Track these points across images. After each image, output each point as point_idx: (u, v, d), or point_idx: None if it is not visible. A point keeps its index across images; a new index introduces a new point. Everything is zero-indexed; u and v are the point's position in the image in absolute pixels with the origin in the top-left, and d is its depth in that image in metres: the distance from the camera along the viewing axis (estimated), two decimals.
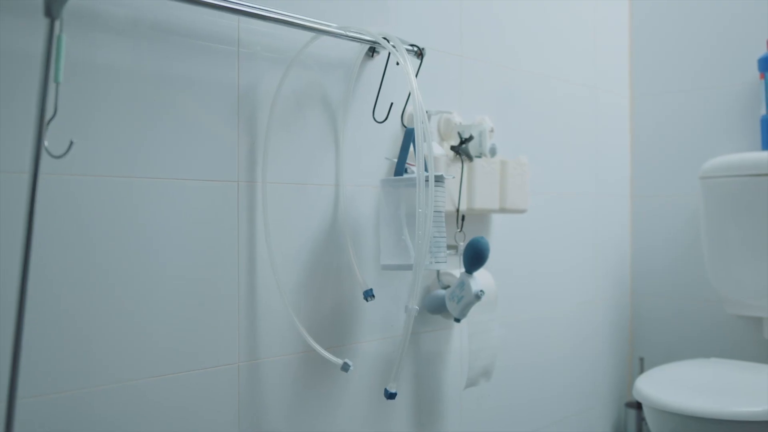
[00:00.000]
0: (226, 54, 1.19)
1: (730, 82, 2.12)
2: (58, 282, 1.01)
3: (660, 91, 2.26)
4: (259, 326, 1.25)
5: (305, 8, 1.28)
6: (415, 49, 1.42)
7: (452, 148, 1.55)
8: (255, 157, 1.24)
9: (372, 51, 1.42)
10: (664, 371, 1.81)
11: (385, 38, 1.33)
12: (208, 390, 1.18)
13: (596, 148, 2.17)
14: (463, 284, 1.44)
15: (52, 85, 0.89)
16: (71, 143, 0.91)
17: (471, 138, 1.54)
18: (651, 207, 2.28)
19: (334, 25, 1.30)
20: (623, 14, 2.30)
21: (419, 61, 1.43)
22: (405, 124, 1.50)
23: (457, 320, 1.48)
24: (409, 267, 1.34)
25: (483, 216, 1.73)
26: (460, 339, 1.68)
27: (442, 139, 1.59)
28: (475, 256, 1.53)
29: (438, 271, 1.59)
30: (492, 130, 1.58)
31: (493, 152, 1.57)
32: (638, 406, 2.21)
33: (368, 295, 1.36)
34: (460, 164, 1.54)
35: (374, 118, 1.43)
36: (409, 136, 1.38)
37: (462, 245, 1.59)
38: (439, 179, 1.33)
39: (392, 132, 1.49)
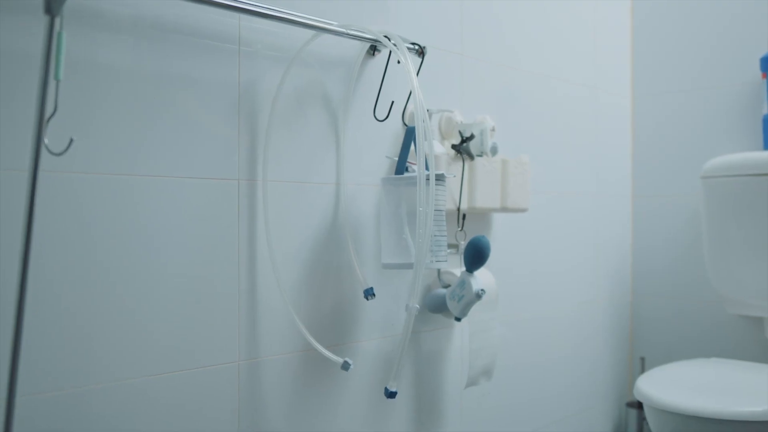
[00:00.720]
0: (226, 52, 1.19)
1: (731, 82, 2.11)
2: (57, 280, 1.01)
3: (661, 91, 2.26)
4: (260, 324, 1.24)
5: (306, 7, 1.28)
6: (417, 47, 1.42)
7: (453, 146, 1.55)
8: (255, 155, 1.23)
9: (373, 49, 1.42)
10: (665, 371, 1.81)
11: (386, 36, 1.32)
12: (208, 388, 1.18)
13: (597, 148, 2.16)
14: (464, 283, 1.44)
15: (52, 83, 0.89)
16: (71, 141, 0.91)
17: (472, 137, 1.54)
18: (652, 207, 2.27)
19: (335, 23, 1.29)
20: (624, 14, 2.29)
21: (420, 60, 1.43)
22: (406, 122, 1.50)
23: (458, 319, 1.47)
24: (409, 266, 1.33)
25: (484, 215, 1.73)
26: (460, 338, 1.67)
27: (443, 137, 1.59)
28: (476, 255, 1.52)
29: (439, 270, 1.59)
30: (493, 129, 1.57)
31: (494, 151, 1.57)
32: (639, 405, 2.21)
33: (369, 293, 1.36)
34: (461, 163, 1.54)
35: (375, 117, 1.43)
36: (410, 135, 1.38)
37: (463, 244, 1.59)
38: (440, 178, 1.33)
39: (393, 130, 1.49)
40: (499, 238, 1.77)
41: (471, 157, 1.55)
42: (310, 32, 1.29)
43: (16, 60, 0.96)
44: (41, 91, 0.88)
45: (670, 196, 2.22)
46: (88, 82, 1.03)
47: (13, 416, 0.87)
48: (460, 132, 1.55)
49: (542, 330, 1.94)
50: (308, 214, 1.33)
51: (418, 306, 1.29)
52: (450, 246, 1.52)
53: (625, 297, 2.28)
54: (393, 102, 1.44)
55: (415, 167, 1.43)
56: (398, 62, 1.35)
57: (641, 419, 2.16)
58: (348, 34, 1.31)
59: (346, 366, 1.29)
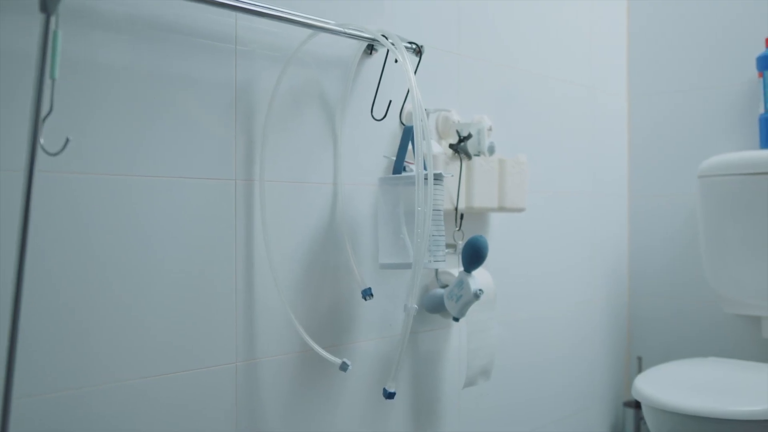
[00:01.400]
0: (223, 52, 1.18)
1: (728, 81, 2.11)
2: (54, 280, 1.00)
3: (658, 91, 2.25)
4: (257, 325, 1.24)
5: (303, 7, 1.27)
6: (414, 46, 1.41)
7: (451, 146, 1.54)
8: (252, 155, 1.23)
9: (370, 49, 1.42)
10: (663, 370, 1.81)
11: (383, 35, 1.32)
12: (205, 389, 1.17)
13: (594, 148, 2.16)
14: (461, 283, 1.43)
15: (48, 82, 0.89)
16: (67, 140, 0.90)
17: (469, 136, 1.53)
18: (649, 206, 2.27)
19: (333, 22, 1.29)
20: (621, 14, 2.29)
21: (418, 59, 1.43)
22: (403, 121, 1.49)
23: (456, 319, 1.47)
24: (407, 266, 1.33)
25: (481, 215, 1.72)
26: (458, 338, 1.67)
27: (440, 137, 1.58)
28: (473, 255, 1.52)
29: (437, 270, 1.58)
30: (490, 129, 1.57)
31: (491, 151, 1.56)
32: (636, 405, 2.21)
33: (367, 294, 1.35)
34: (458, 162, 1.53)
35: (372, 116, 1.42)
36: (407, 134, 1.37)
37: (461, 244, 1.59)
38: (438, 177, 1.32)
39: (391, 130, 1.48)
40: (497, 237, 1.76)
41: (468, 156, 1.54)
42: (307, 31, 1.29)
43: (12, 59, 0.96)
44: (37, 90, 0.88)
45: (667, 196, 2.22)
46: (84, 82, 1.02)
47: (9, 419, 0.86)
48: (457, 131, 1.54)
49: (539, 330, 1.94)
50: (305, 214, 1.32)
51: (416, 306, 1.29)
52: (448, 246, 1.51)
53: (622, 296, 2.28)
54: (390, 101, 1.43)
55: (412, 167, 1.42)
56: (396, 61, 1.35)
57: (638, 419, 2.16)
58: (345, 33, 1.31)
59: (344, 367, 1.29)
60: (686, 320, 2.18)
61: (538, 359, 1.92)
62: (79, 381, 1.02)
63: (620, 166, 2.28)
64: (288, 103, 1.30)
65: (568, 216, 2.03)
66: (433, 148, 1.46)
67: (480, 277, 1.52)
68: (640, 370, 2.20)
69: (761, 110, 2.01)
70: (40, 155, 0.89)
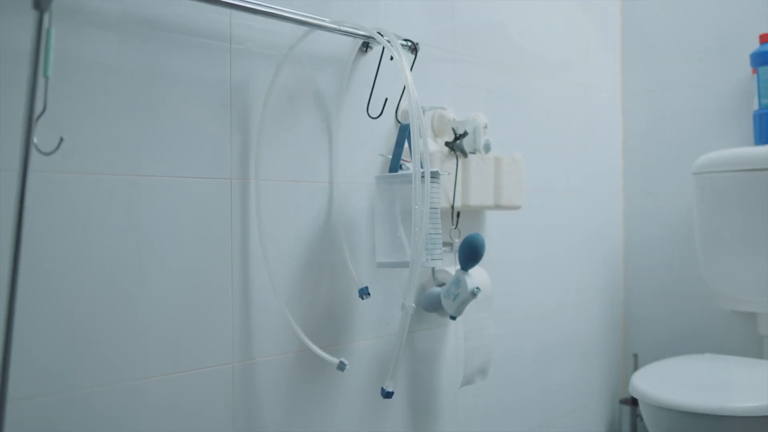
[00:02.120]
0: (218, 50, 1.17)
1: (721, 78, 2.12)
2: (49, 280, 0.99)
3: (652, 89, 2.26)
4: (254, 325, 1.23)
5: (297, 4, 1.26)
6: (410, 44, 1.40)
7: (446, 144, 1.54)
8: (248, 154, 1.22)
9: (365, 46, 1.41)
10: (660, 367, 1.81)
11: (379, 33, 1.31)
12: (202, 390, 1.16)
13: (589, 145, 2.16)
14: (458, 281, 1.43)
15: (41, 81, 0.88)
16: (61, 139, 0.89)
17: (465, 134, 1.53)
18: (644, 203, 2.27)
19: (328, 19, 1.28)
20: (615, 11, 2.29)
21: (413, 56, 1.42)
22: (399, 119, 1.49)
23: (453, 318, 1.46)
24: (404, 264, 1.32)
25: (478, 213, 1.72)
26: (455, 337, 1.66)
27: (435, 135, 1.58)
28: (470, 253, 1.51)
29: (433, 269, 1.58)
30: (486, 127, 1.56)
31: (487, 148, 1.56)
32: (633, 402, 2.21)
33: (364, 293, 1.34)
34: (454, 160, 1.53)
35: (368, 114, 1.42)
36: (403, 132, 1.37)
37: (457, 242, 1.59)
38: (434, 175, 1.32)
39: (386, 128, 1.47)
40: (494, 235, 1.76)
41: (464, 154, 1.54)
42: (302, 29, 1.28)
43: (5, 58, 0.95)
44: (30, 89, 0.87)
45: (662, 193, 2.23)
46: (79, 80, 1.01)
47: (4, 422, 0.85)
48: (453, 129, 1.54)
49: (535, 328, 1.93)
50: (302, 213, 1.31)
51: (413, 305, 1.28)
52: (444, 244, 1.51)
53: (618, 294, 2.28)
54: (386, 99, 1.42)
55: (409, 165, 1.42)
56: (391, 58, 1.34)
57: (635, 416, 2.16)
58: (341, 30, 1.30)
59: (341, 366, 1.28)
60: (682, 317, 2.18)
61: (534, 357, 1.92)
62: (75, 383, 1.01)
63: (615, 163, 2.29)
64: (283, 102, 1.30)
65: (563, 214, 2.03)
66: (430, 146, 1.46)
67: (477, 276, 1.52)
68: (636, 367, 2.20)
69: (755, 107, 2.01)
70: (34, 155, 0.88)
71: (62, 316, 1.00)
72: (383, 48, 1.41)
